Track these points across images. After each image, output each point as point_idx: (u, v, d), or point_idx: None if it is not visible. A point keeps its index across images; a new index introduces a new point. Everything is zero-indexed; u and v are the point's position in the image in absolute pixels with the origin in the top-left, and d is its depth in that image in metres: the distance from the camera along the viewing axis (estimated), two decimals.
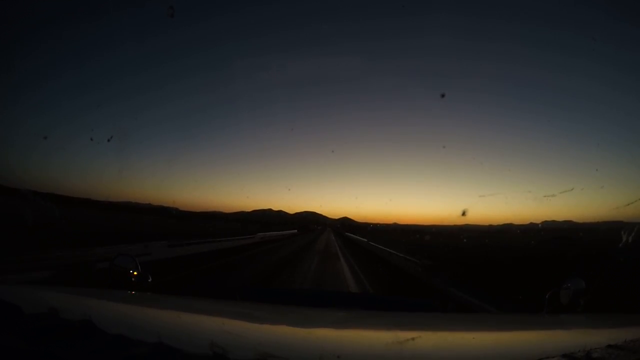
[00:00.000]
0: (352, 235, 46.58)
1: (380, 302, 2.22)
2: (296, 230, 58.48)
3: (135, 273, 1.60)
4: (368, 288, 8.17)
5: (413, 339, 1.03)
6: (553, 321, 1.47)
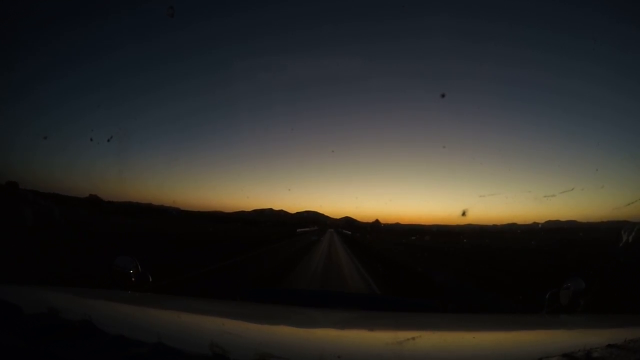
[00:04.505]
0: None
1: (380, 303, 2.22)
2: None
3: (135, 273, 1.60)
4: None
5: (413, 339, 1.03)
6: (553, 321, 1.47)
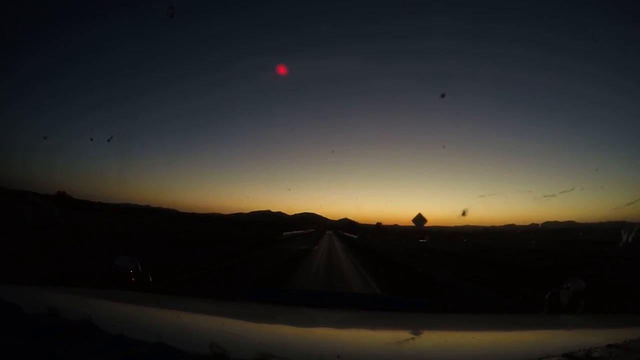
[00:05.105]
0: None
1: (380, 303, 2.22)
2: None
3: (135, 273, 1.60)
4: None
5: (413, 339, 1.03)
6: (553, 321, 1.47)
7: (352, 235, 48.20)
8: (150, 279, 1.67)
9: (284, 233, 36.77)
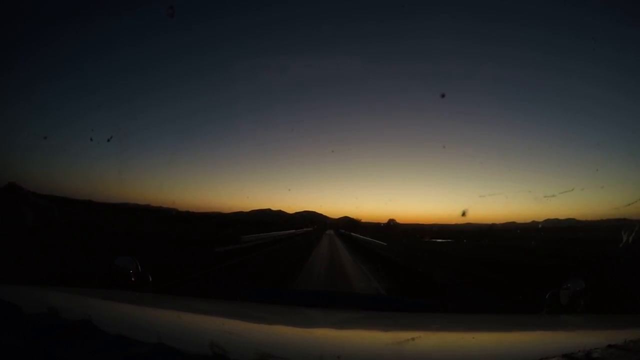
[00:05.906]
0: None
1: (380, 303, 2.23)
2: None
3: (135, 273, 1.60)
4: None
5: (413, 339, 1.03)
6: (553, 321, 1.47)
7: (366, 238, 28.23)
8: (151, 279, 1.67)
9: (244, 236, 18.88)
